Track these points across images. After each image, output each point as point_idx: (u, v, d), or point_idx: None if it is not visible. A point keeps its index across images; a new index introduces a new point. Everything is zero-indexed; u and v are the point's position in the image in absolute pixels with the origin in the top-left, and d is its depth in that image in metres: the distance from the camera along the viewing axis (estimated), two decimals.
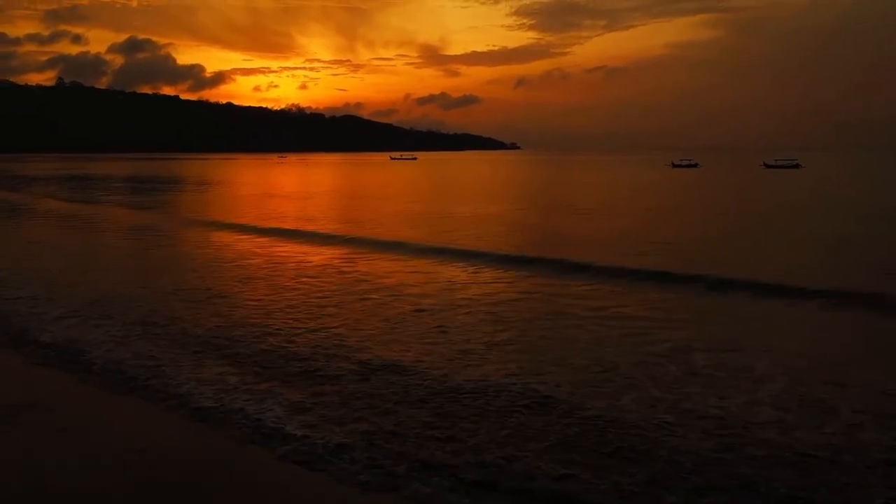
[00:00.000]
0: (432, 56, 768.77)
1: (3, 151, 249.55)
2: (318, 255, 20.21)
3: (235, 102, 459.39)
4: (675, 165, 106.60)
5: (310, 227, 26.48)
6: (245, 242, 23.29)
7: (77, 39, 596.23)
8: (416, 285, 15.53)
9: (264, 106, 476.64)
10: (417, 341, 10.88)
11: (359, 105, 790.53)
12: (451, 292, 14.76)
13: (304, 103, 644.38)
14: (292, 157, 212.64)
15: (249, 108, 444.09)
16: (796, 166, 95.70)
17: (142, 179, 75.73)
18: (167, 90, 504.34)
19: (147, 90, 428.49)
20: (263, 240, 23.84)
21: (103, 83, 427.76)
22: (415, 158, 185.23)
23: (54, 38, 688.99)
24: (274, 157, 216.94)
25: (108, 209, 37.05)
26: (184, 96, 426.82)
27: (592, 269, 16.99)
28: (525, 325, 12.05)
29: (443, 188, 59.22)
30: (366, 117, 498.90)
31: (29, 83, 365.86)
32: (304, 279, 16.39)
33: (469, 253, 19.70)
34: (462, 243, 21.80)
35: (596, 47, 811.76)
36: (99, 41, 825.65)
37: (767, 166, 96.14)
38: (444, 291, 14.89)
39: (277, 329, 11.69)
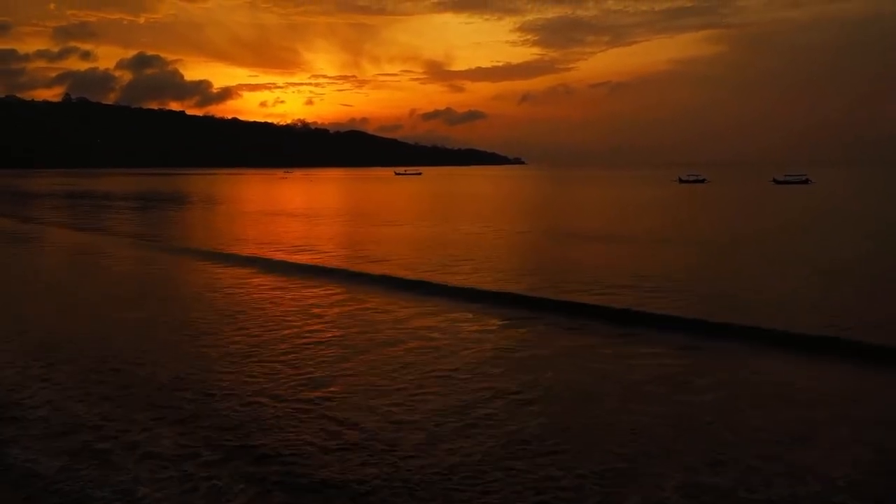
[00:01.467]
0: (437, 72, 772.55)
1: (9, 167, 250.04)
2: (305, 292, 17.35)
3: (241, 118, 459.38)
4: (682, 181, 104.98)
5: (300, 258, 23.45)
6: (229, 275, 20.86)
7: (86, 56, 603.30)
8: (425, 338, 12.70)
9: (270, 121, 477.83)
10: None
11: (364, 120, 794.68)
12: (469, 344, 12.30)
13: (309, 118, 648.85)
14: (297, 173, 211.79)
15: (254, 123, 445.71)
16: (806, 182, 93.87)
17: (137, 197, 74.53)
18: (174, 106, 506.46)
19: (154, 106, 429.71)
20: (246, 271, 21.15)
21: (111, 99, 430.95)
22: (419, 174, 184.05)
23: (64, 54, 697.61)
24: (279, 173, 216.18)
25: (84, 235, 34.40)
26: (191, 112, 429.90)
27: (600, 313, 14.65)
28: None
29: (446, 206, 57.68)
30: (371, 132, 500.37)
31: (36, 99, 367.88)
32: (288, 320, 14.76)
33: (476, 294, 16.87)
34: (465, 279, 18.90)
35: (600, 63, 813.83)
36: (108, 57, 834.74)
37: (777, 182, 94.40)
38: (461, 347, 12.11)
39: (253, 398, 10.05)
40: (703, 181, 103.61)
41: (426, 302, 15.97)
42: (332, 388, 9.76)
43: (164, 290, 18.40)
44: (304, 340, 12.46)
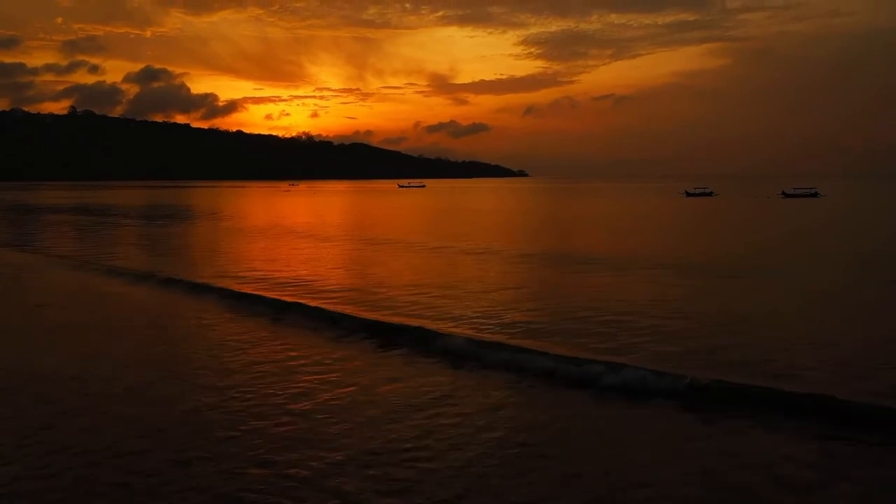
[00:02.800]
0: (441, 85, 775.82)
1: (15, 179, 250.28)
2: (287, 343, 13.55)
3: (247, 130, 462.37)
4: (688, 194, 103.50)
5: (285, 293, 18.79)
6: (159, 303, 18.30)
7: (94, 69, 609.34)
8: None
9: (274, 134, 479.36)
10: None
11: (369, 133, 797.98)
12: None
13: (314, 131, 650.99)
14: (302, 185, 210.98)
15: (259, 135, 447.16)
16: (815, 195, 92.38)
17: (122, 212, 73.29)
18: (180, 119, 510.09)
19: (160, 119, 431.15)
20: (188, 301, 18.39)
21: (118, 112, 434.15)
22: (423, 186, 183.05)
23: (72, 67, 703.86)
24: (283, 185, 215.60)
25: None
26: (197, 124, 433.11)
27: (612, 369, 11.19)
28: None
29: (448, 222, 56.29)
30: (376, 145, 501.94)
31: (42, 112, 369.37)
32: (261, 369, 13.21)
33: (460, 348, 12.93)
34: (457, 326, 14.60)
35: (603, 76, 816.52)
36: (115, 71, 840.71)
37: (786, 195, 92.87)
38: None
39: None
40: (710, 194, 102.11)
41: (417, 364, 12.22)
42: None
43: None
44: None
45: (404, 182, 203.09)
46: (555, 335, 13.95)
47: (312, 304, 17.09)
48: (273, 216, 61.17)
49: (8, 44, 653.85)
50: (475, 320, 15.45)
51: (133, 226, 50.47)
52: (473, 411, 9.64)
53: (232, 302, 17.97)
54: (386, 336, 13.93)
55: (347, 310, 16.28)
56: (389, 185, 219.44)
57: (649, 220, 54.00)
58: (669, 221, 52.12)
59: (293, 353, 12.79)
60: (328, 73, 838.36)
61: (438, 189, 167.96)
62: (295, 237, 37.34)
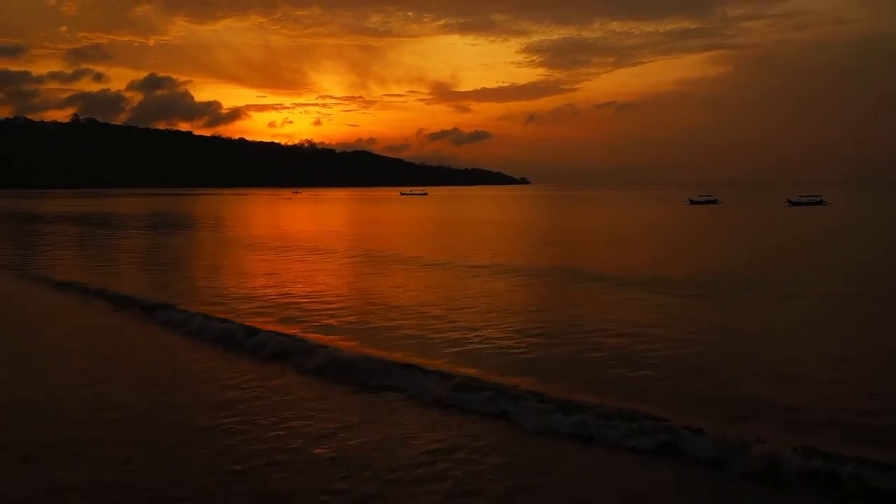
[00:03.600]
0: (443, 92, 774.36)
1: (15, 187, 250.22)
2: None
3: (251, 138, 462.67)
4: (692, 202, 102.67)
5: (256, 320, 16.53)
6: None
7: (99, 77, 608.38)
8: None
9: (277, 141, 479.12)
10: None
11: (371, 140, 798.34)
12: None
13: (317, 139, 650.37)
14: (305, 193, 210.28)
15: (261, 143, 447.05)
16: (821, 203, 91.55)
17: (102, 220, 72.54)
18: (184, 126, 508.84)
19: (164, 127, 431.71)
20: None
21: (121, 119, 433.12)
22: (425, 194, 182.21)
23: (77, 76, 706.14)
24: (285, 193, 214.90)
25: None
26: (200, 132, 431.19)
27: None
28: None
29: (449, 233, 55.42)
30: (378, 152, 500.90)
31: (45, 120, 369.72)
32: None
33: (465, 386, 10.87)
34: (447, 362, 12.41)
35: (605, 83, 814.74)
36: (120, 79, 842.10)
37: (792, 203, 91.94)
38: None
39: None
40: (714, 202, 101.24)
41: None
42: None
43: None
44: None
45: (406, 190, 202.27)
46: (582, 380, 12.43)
47: (287, 331, 15.19)
48: (270, 227, 60.28)
49: (13, 52, 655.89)
50: (455, 351, 13.53)
51: (126, 237, 49.53)
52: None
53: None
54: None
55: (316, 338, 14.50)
56: (391, 192, 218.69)
57: (654, 230, 53.02)
58: (675, 232, 51.15)
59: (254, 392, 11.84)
60: (331, 80, 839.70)
61: (440, 197, 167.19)
62: (289, 251, 34.90)
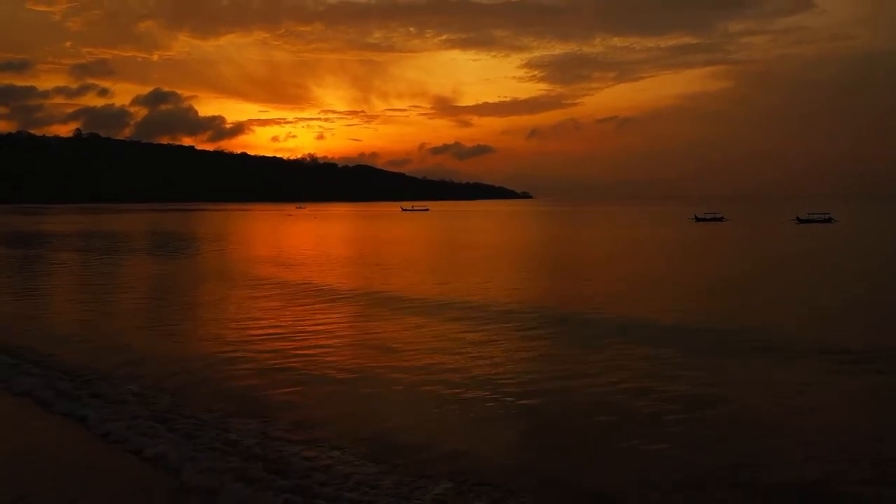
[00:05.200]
0: (445, 107, 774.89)
1: (19, 201, 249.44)
2: None
3: (254, 152, 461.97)
4: (698, 219, 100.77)
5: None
6: None
7: (104, 92, 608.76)
8: None
9: (279, 156, 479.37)
10: None
11: (374, 155, 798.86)
12: None
13: (319, 153, 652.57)
14: (307, 208, 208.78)
15: (263, 157, 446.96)
16: (829, 220, 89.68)
17: (106, 246, 70.73)
18: (187, 141, 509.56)
19: (168, 142, 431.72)
20: None
21: (125, 134, 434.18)
22: (427, 209, 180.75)
23: (82, 91, 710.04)
24: (288, 208, 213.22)
25: None
26: (203, 146, 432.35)
27: None
28: None
29: (449, 256, 53.56)
30: (380, 166, 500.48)
31: (47, 134, 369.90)
32: None
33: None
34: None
35: (606, 98, 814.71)
36: (124, 94, 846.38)
37: (800, 221, 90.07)
38: None
39: None
40: (720, 219, 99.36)
41: None
42: None
43: None
44: None
45: (407, 205, 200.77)
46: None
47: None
48: (262, 250, 58.47)
49: (19, 67, 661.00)
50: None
51: (93, 261, 47.62)
52: None
53: None
54: None
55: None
56: (393, 207, 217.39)
57: (663, 252, 51.01)
58: (686, 254, 49.14)
59: None
60: (333, 95, 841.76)
61: (442, 213, 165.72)
62: (262, 286, 29.74)
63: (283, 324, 20.85)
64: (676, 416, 11.82)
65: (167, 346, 17.96)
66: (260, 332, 19.68)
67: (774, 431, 11.36)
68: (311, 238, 70.50)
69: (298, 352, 17.08)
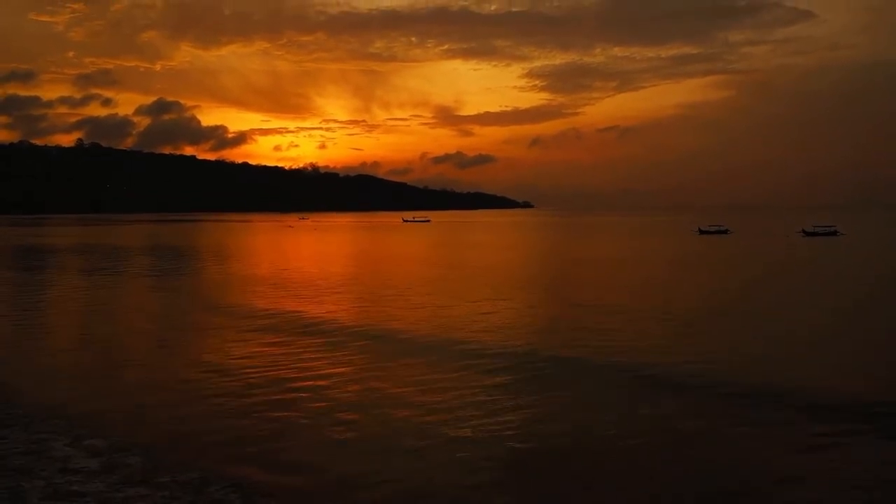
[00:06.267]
0: (447, 116, 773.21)
1: (19, 212, 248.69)
2: None
3: (256, 162, 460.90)
4: (702, 232, 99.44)
5: None
6: None
7: (107, 102, 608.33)
8: None
9: (281, 165, 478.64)
10: None
11: (375, 164, 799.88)
12: None
13: (321, 162, 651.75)
14: (311, 219, 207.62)
15: (265, 167, 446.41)
16: (835, 233, 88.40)
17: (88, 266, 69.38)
18: (190, 150, 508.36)
19: (170, 151, 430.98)
20: None
21: (128, 144, 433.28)
22: (427, 220, 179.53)
23: (86, 100, 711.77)
24: (290, 219, 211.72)
25: None
26: (205, 156, 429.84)
27: None
28: None
29: (446, 279, 52.31)
30: (382, 176, 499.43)
31: (49, 144, 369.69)
32: None
33: None
34: None
35: (608, 107, 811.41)
36: (128, 104, 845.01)
37: (806, 234, 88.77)
38: None
39: None
40: (725, 232, 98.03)
41: None
42: None
43: None
44: None
45: (409, 216, 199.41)
46: None
47: None
48: (259, 265, 57.21)
49: (24, 77, 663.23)
50: None
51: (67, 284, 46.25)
52: None
53: None
54: None
55: None
56: (394, 218, 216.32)
57: (670, 269, 49.69)
58: (694, 271, 47.80)
59: None
60: (335, 105, 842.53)
61: (443, 224, 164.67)
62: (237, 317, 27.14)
63: (261, 364, 19.19)
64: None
65: (137, 392, 16.66)
66: (239, 375, 18.38)
67: None
68: (309, 254, 69.28)
69: (278, 396, 15.81)
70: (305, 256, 62.64)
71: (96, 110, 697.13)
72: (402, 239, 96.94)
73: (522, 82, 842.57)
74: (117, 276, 44.32)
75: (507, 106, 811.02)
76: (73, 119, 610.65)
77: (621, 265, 51.28)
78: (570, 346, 21.13)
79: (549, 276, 45.50)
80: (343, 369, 18.33)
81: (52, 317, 28.41)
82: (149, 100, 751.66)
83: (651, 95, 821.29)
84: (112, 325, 26.41)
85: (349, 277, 43.03)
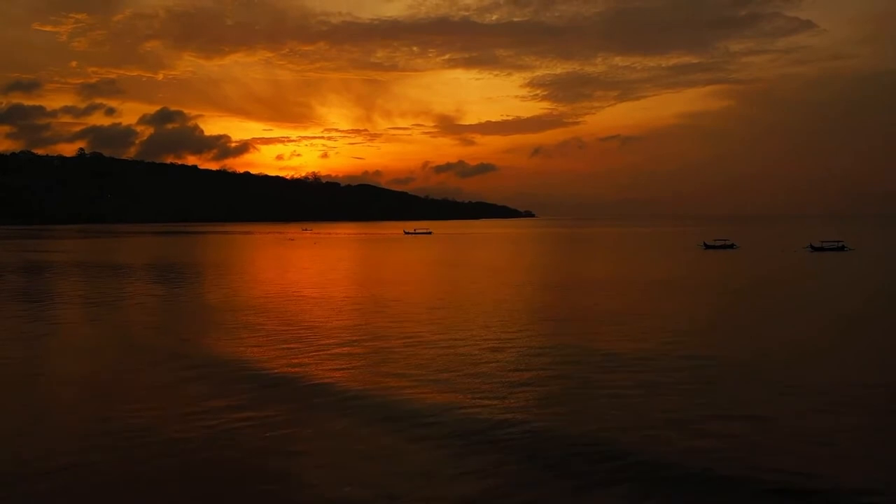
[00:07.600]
0: (448, 125, 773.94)
1: (20, 223, 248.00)
2: None
3: (258, 171, 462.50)
4: (707, 246, 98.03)
5: None
6: None
7: (111, 112, 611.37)
8: None
9: (283, 175, 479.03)
10: None
11: (377, 173, 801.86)
12: None
13: (323, 171, 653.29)
14: (314, 230, 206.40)
15: (266, 176, 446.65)
16: (842, 249, 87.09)
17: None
18: (193, 160, 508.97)
19: (172, 160, 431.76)
20: None
21: (131, 153, 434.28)
22: (429, 233, 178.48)
23: (90, 110, 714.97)
24: (291, 230, 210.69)
25: None
26: (207, 165, 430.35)
27: None
28: None
29: (453, 307, 50.68)
30: (384, 185, 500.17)
31: (51, 154, 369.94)
32: None
33: None
34: None
35: (609, 117, 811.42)
36: (131, 113, 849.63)
37: (814, 249, 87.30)
38: None
39: None
40: (731, 247, 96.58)
41: None
42: None
43: None
44: None
45: (410, 228, 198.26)
46: None
47: None
48: (254, 287, 55.65)
49: (28, 87, 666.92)
50: None
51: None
52: None
53: None
54: None
55: None
56: (396, 229, 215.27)
57: (686, 296, 47.99)
58: (705, 295, 46.15)
59: None
60: (337, 114, 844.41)
61: (445, 236, 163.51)
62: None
63: (223, 418, 17.72)
64: None
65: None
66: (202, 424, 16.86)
67: None
68: (307, 276, 67.89)
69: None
70: (294, 280, 60.11)
71: (99, 120, 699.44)
72: (402, 257, 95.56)
73: (524, 91, 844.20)
74: (52, 305, 38.92)
75: (508, 115, 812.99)
76: (77, 128, 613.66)
77: (632, 289, 49.22)
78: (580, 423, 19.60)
79: (561, 307, 43.66)
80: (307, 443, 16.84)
81: None
82: (152, 109, 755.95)
83: (652, 105, 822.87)
84: None
85: (334, 310, 41.22)
